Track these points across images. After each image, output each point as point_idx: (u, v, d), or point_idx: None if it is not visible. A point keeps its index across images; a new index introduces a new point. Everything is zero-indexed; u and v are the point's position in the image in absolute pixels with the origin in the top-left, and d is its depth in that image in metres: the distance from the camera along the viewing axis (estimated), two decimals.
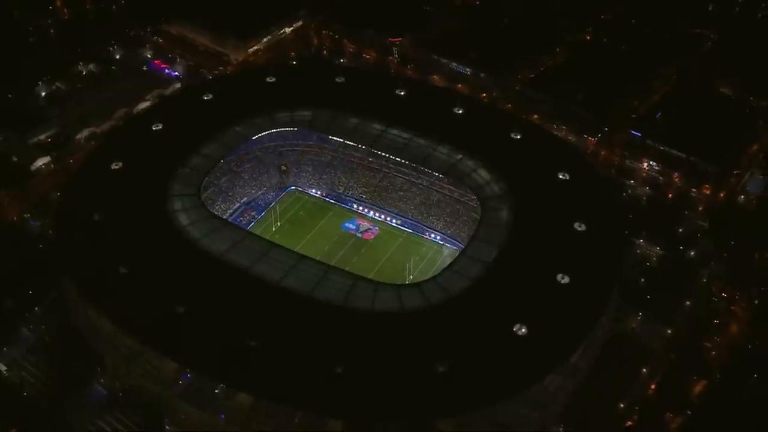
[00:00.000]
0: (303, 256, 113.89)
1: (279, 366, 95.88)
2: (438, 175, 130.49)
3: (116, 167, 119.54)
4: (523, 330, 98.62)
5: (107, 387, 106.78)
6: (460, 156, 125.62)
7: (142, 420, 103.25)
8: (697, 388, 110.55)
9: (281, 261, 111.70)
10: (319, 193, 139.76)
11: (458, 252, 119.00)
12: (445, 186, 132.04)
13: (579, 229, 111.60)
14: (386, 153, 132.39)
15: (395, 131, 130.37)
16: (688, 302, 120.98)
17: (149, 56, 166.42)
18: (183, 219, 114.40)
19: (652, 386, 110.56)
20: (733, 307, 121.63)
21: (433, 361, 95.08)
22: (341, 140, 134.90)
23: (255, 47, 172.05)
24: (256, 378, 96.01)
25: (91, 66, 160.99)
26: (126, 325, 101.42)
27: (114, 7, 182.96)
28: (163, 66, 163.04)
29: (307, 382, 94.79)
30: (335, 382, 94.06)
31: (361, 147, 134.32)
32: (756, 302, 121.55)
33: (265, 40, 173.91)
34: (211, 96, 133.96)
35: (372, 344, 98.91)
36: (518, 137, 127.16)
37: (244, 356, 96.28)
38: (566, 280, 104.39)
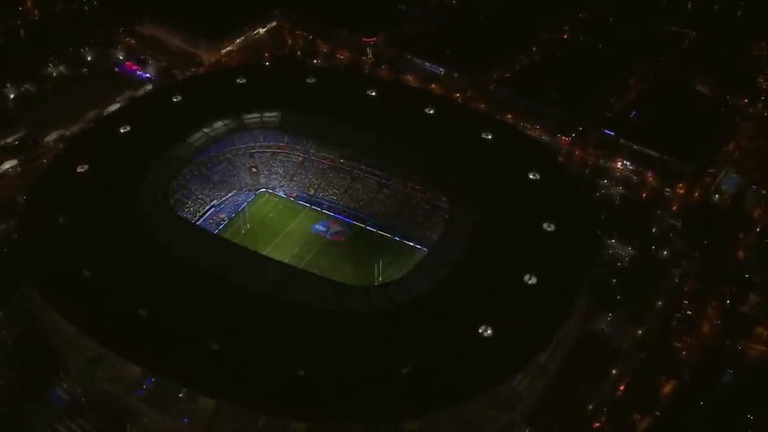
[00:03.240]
0: (269, 259, 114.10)
1: (244, 369, 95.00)
2: (409, 176, 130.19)
3: (82, 170, 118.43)
4: (491, 330, 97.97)
5: (69, 391, 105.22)
6: (430, 157, 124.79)
7: (104, 424, 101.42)
8: (667, 389, 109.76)
9: (248, 264, 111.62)
10: (289, 194, 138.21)
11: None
12: (416, 187, 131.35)
13: (548, 229, 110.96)
14: (357, 154, 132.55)
15: (366, 132, 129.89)
16: (659, 302, 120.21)
17: (121, 57, 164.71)
18: (149, 222, 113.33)
19: (621, 387, 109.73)
20: (704, 307, 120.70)
21: (400, 362, 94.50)
22: (312, 142, 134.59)
23: (228, 48, 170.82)
24: (220, 381, 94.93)
25: (62, 68, 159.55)
26: (89, 329, 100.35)
27: (86, 8, 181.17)
28: (135, 68, 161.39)
29: (271, 384, 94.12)
30: (300, 384, 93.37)
31: (332, 148, 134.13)
32: (728, 302, 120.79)
33: (238, 41, 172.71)
34: (180, 98, 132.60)
35: (338, 345, 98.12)
36: (489, 137, 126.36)
37: (209, 359, 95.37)
38: (533, 280, 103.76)
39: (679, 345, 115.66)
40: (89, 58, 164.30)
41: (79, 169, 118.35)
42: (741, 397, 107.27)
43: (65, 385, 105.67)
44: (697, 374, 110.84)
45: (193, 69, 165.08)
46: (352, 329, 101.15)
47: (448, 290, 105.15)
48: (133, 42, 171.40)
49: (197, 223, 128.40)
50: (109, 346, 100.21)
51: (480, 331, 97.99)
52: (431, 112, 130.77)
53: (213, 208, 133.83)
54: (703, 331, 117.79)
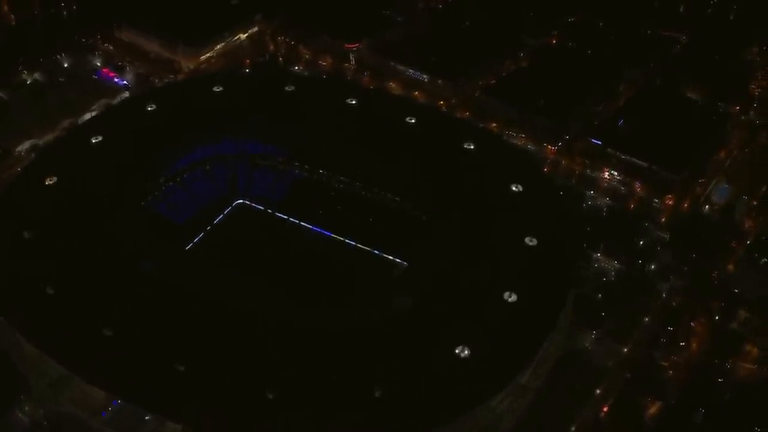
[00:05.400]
0: (244, 275, 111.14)
1: (212, 392, 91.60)
2: (389, 188, 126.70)
3: (50, 182, 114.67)
4: (469, 349, 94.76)
5: (31, 414, 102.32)
6: (411, 167, 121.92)
7: None
8: (652, 410, 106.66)
9: (221, 280, 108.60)
10: (267, 206, 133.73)
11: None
12: (396, 199, 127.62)
13: (530, 243, 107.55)
14: (337, 166, 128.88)
15: (346, 142, 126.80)
16: (645, 319, 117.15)
17: (98, 64, 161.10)
18: (119, 237, 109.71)
19: (605, 408, 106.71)
20: (692, 324, 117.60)
21: (375, 383, 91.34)
22: (291, 151, 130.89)
23: (208, 54, 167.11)
24: (186, 405, 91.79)
25: (36, 75, 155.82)
26: (51, 350, 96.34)
27: (65, 13, 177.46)
28: (112, 75, 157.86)
29: (240, 408, 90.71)
30: (270, 408, 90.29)
31: (312, 158, 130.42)
32: (717, 318, 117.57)
33: (218, 47, 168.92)
34: (155, 106, 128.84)
35: (310, 367, 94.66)
36: (472, 147, 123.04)
37: (176, 381, 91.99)
38: (514, 298, 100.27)
39: (666, 364, 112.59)
40: (66, 65, 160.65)
41: (47, 182, 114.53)
42: (729, 418, 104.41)
43: (27, 408, 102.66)
44: (684, 394, 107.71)
45: (172, 76, 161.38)
46: (325, 349, 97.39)
47: (425, 308, 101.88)
48: (111, 48, 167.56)
49: (171, 237, 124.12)
50: (72, 369, 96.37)
51: (460, 348, 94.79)
52: (413, 120, 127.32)
53: (187, 221, 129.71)
54: (690, 348, 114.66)
